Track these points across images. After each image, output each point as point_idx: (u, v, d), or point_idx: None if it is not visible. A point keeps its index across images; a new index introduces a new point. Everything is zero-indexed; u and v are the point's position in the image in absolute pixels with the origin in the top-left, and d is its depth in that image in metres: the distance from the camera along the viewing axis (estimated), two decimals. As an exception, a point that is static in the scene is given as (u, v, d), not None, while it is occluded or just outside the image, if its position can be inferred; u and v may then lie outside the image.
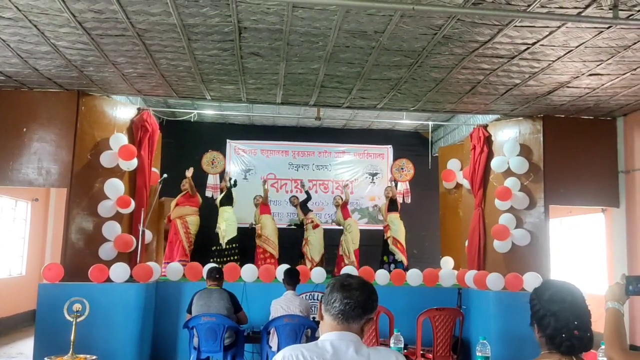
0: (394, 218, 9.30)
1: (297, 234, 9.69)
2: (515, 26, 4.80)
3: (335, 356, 1.90)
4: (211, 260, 8.49)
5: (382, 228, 9.71)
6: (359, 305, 1.95)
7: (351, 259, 9.07)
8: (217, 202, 9.33)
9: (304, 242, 9.35)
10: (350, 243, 9.27)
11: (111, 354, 6.14)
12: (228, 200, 9.20)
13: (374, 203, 11.03)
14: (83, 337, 5.27)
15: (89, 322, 5.24)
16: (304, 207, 9.73)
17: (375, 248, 9.61)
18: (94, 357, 5.03)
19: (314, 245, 9.23)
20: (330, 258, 9.42)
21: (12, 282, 9.37)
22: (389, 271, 7.94)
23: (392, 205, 9.41)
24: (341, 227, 9.54)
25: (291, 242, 9.57)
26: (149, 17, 4.81)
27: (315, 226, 9.36)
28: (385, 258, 9.15)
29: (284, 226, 10.23)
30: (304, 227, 9.47)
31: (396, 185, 11.12)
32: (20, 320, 9.27)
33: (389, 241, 9.20)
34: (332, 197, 11.10)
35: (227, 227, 8.96)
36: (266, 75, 6.42)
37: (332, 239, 9.69)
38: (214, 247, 8.99)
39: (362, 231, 9.73)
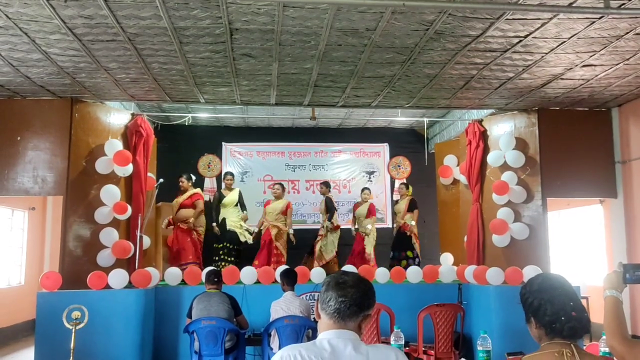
0: (410, 217, 9.34)
1: (308, 235, 9.60)
2: (507, 19, 4.80)
3: (333, 355, 1.89)
4: (215, 259, 8.46)
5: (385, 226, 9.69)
6: (354, 304, 1.93)
7: (371, 258, 9.08)
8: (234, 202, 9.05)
9: (318, 238, 9.19)
10: (370, 244, 9.25)
11: (112, 360, 6.12)
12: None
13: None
14: (84, 344, 5.25)
15: (89, 329, 5.22)
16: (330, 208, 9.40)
17: (381, 247, 9.56)
18: (95, 365, 5.01)
19: (328, 245, 9.13)
20: (342, 261, 9.30)
21: (11, 292, 9.33)
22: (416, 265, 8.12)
23: (412, 204, 9.42)
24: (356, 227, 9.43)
25: (297, 244, 9.47)
26: (140, 21, 4.79)
27: (336, 228, 9.24)
28: (410, 253, 9.14)
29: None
30: (323, 225, 9.28)
31: (393, 183, 11.12)
32: (21, 330, 9.24)
33: (413, 238, 9.26)
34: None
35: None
36: (259, 76, 6.41)
37: (347, 239, 9.63)
38: (234, 245, 8.77)
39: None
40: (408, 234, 9.27)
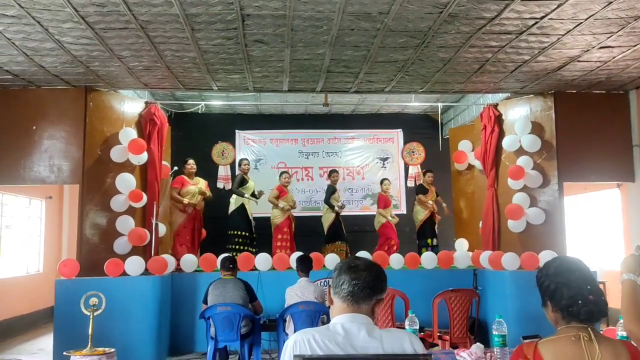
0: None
1: (315, 222, 9.60)
2: (522, 0, 4.71)
3: (347, 339, 1.89)
4: (231, 247, 8.39)
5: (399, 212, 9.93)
6: (367, 286, 1.94)
7: None
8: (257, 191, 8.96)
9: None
10: None
11: (129, 346, 6.20)
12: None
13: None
14: (101, 330, 5.31)
15: (106, 315, 5.29)
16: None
17: (400, 233, 9.57)
18: (112, 350, 5.08)
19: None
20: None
21: (30, 280, 9.49)
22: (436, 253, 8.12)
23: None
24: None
25: (310, 231, 9.49)
26: (151, 8, 4.78)
27: None
28: (431, 241, 9.30)
29: (300, 214, 10.14)
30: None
31: (407, 169, 11.08)
32: (40, 316, 9.40)
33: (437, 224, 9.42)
34: (342, 183, 11.08)
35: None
36: (272, 62, 6.38)
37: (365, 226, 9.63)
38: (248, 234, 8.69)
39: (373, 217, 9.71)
40: (436, 221, 9.41)
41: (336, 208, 9.06)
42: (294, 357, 1.86)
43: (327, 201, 9.21)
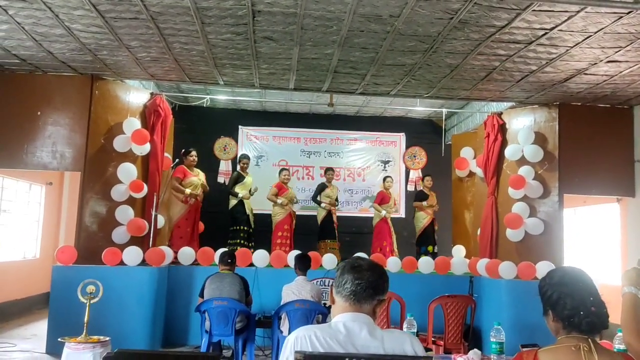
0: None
1: (313, 221, 9.60)
2: (534, 10, 4.72)
3: (348, 337, 1.89)
4: (234, 242, 8.40)
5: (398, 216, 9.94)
6: (370, 286, 1.95)
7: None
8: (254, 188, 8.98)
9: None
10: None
11: (124, 335, 6.18)
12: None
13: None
14: (96, 318, 5.31)
15: (102, 304, 5.29)
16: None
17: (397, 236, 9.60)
18: (107, 339, 5.07)
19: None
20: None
21: (26, 265, 9.47)
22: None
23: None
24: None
25: (308, 230, 9.50)
26: (163, -1, 4.79)
27: None
28: (432, 248, 9.34)
29: (299, 213, 10.12)
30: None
31: (408, 173, 11.09)
32: (34, 302, 9.38)
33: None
34: (343, 184, 11.10)
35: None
36: (279, 60, 6.38)
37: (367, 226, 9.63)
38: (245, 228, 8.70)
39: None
40: (436, 228, 9.44)
41: (323, 205, 9.06)
42: (295, 352, 1.87)
43: (314, 198, 9.27)
